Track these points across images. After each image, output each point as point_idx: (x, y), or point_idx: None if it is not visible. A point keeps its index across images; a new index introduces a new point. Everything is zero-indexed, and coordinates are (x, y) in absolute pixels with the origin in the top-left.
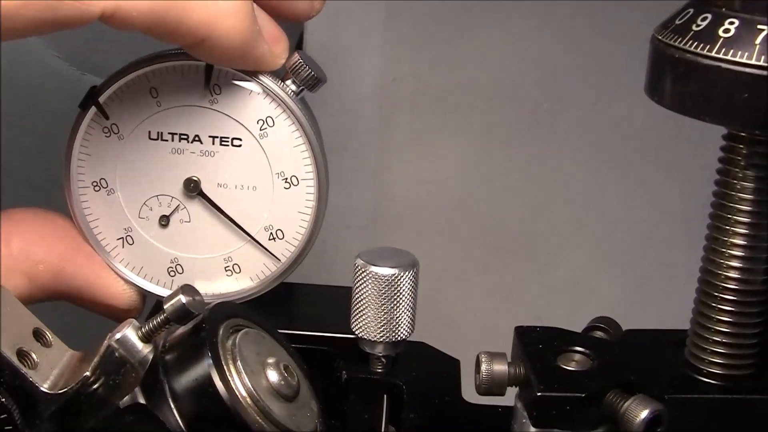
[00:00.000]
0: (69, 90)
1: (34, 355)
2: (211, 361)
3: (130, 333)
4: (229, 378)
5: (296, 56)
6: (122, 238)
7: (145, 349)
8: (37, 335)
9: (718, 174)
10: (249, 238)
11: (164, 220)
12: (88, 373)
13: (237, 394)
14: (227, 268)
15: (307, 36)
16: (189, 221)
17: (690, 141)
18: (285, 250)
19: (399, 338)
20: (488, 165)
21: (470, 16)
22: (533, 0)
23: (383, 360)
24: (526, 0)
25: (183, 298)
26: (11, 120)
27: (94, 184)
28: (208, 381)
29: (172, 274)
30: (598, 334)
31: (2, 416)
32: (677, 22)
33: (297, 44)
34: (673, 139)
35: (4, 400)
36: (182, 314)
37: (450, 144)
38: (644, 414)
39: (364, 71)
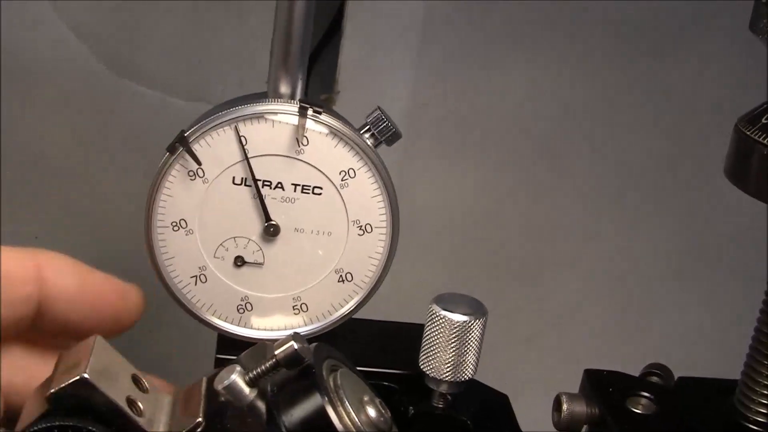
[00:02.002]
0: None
1: (139, 403)
2: (327, 403)
3: (237, 379)
4: (343, 415)
5: (377, 111)
6: (196, 276)
7: (251, 394)
8: (135, 381)
9: None
10: (319, 279)
11: (239, 261)
12: (200, 419)
13: (352, 430)
14: (295, 307)
15: (342, 57)
16: (263, 262)
17: (685, 185)
18: (353, 291)
19: (464, 378)
20: (500, 192)
21: (496, 52)
22: (553, 40)
23: (448, 396)
24: (547, 40)
25: (295, 345)
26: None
27: (173, 224)
28: (325, 420)
29: (241, 311)
30: (654, 379)
31: None
32: (764, 120)
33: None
34: (670, 181)
35: None
36: (294, 360)
37: (467, 169)
38: None
39: (395, 94)
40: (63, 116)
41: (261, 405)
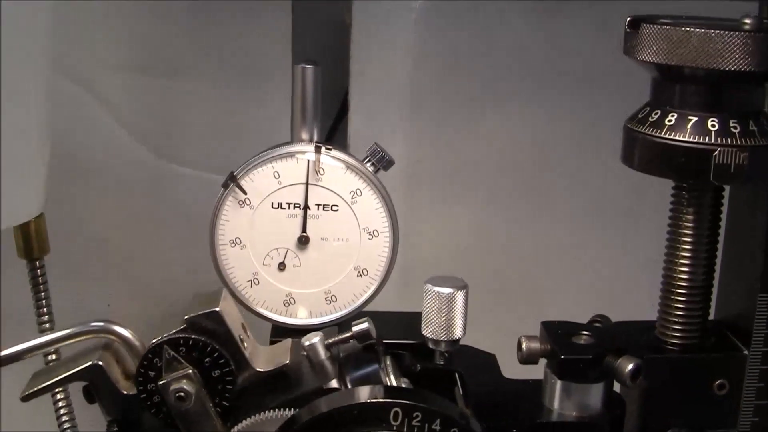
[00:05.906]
0: (154, 176)
1: (245, 342)
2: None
3: (318, 341)
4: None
5: (374, 145)
6: (251, 280)
7: (324, 355)
8: (243, 328)
9: (671, 212)
10: (342, 275)
11: (282, 266)
12: (287, 362)
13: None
14: (327, 298)
15: (350, 127)
16: (300, 266)
17: (652, 201)
18: (369, 283)
19: (456, 337)
20: (493, 226)
21: (475, 107)
22: (525, 94)
23: (445, 355)
24: (519, 94)
25: (368, 325)
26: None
27: (231, 241)
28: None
29: (287, 304)
30: (597, 324)
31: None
32: (639, 116)
33: (331, 130)
34: (639, 200)
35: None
36: (365, 336)
37: (462, 210)
38: (630, 366)
39: (394, 153)
40: (120, 201)
41: (328, 365)
